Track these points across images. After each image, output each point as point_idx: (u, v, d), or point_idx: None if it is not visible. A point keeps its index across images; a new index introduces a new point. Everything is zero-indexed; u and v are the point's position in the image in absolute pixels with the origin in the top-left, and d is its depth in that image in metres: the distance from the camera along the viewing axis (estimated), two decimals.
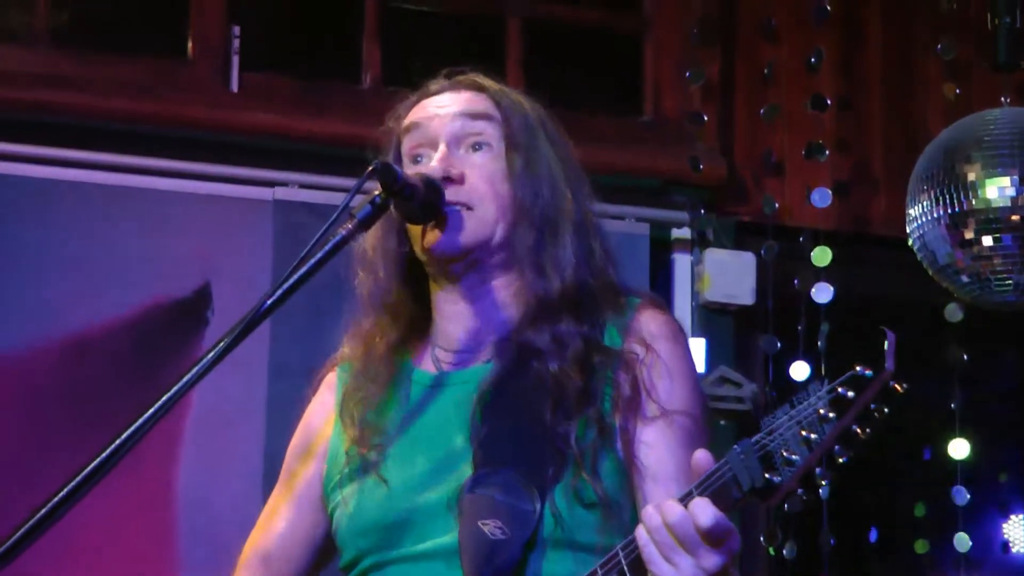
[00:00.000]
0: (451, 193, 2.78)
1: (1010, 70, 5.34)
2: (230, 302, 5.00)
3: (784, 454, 2.24)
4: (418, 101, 2.92)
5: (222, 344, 2.52)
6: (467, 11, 5.75)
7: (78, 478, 2.36)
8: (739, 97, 5.71)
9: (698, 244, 5.53)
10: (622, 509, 2.67)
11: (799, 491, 2.27)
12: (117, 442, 2.39)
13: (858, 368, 2.24)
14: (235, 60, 5.31)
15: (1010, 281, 4.97)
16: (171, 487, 4.88)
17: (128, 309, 5.01)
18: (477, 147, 2.84)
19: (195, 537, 4.90)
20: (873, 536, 5.90)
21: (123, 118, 5.14)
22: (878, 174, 5.74)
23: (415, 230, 2.81)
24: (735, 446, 2.31)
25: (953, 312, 5.43)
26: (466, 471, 2.68)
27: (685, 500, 2.31)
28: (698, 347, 5.39)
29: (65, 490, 2.35)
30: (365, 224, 2.64)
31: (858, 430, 2.24)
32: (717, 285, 5.47)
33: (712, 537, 2.28)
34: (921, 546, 5.65)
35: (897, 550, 5.85)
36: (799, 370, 5.40)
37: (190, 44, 5.33)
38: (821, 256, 5.38)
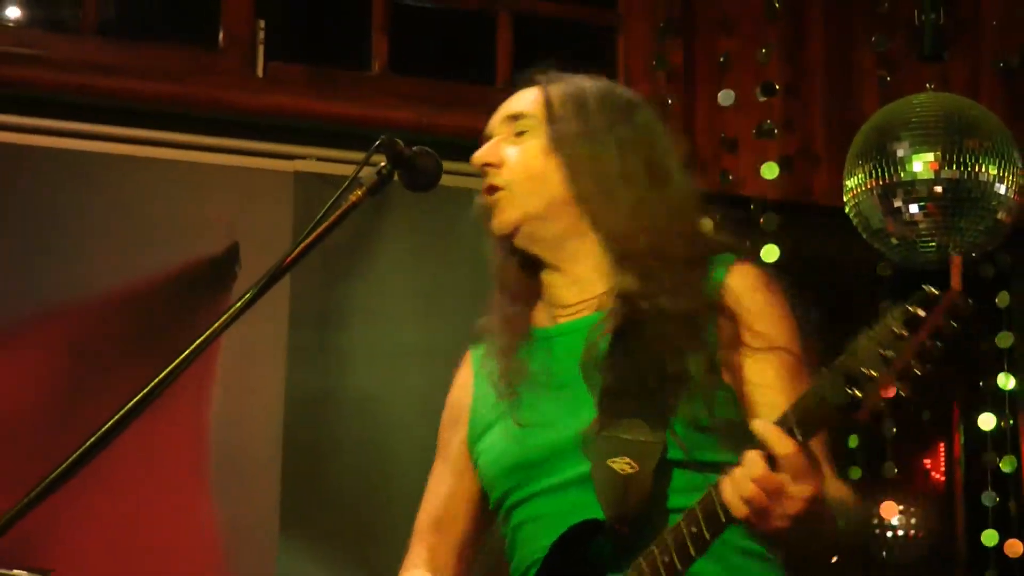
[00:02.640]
0: (490, 178, 2.80)
1: (934, 61, 5.34)
2: (255, 260, 4.99)
3: (864, 372, 2.17)
4: None
5: (248, 296, 2.50)
6: (463, 6, 5.72)
7: (120, 414, 2.34)
8: (699, 84, 5.69)
9: None
10: (736, 430, 2.58)
11: (886, 401, 2.21)
12: (154, 382, 2.38)
13: (927, 288, 2.18)
14: (260, 50, 5.30)
15: (933, 244, 4.98)
16: (203, 422, 4.87)
17: (167, 266, 5.01)
18: (520, 133, 2.83)
19: (224, 467, 4.90)
20: None
21: (162, 100, 5.13)
22: (819, 151, 5.72)
23: None
24: (823, 368, 2.25)
25: (883, 270, 5.42)
26: (590, 411, 2.64)
27: (781, 421, 2.26)
28: None
29: (108, 424, 2.33)
30: (373, 191, 2.64)
31: (931, 344, 2.18)
32: None
33: (791, 464, 2.24)
34: (855, 472, 5.63)
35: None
36: None
37: (221, 36, 5.30)
38: (769, 222, 5.36)
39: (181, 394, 4.73)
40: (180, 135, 5.09)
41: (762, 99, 5.53)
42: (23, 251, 4.91)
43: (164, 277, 4.99)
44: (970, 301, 2.17)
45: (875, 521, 5.84)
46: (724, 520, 2.32)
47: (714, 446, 2.60)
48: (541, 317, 2.86)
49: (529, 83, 2.93)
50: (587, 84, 2.90)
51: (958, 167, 4.92)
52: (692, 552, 2.38)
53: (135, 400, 2.35)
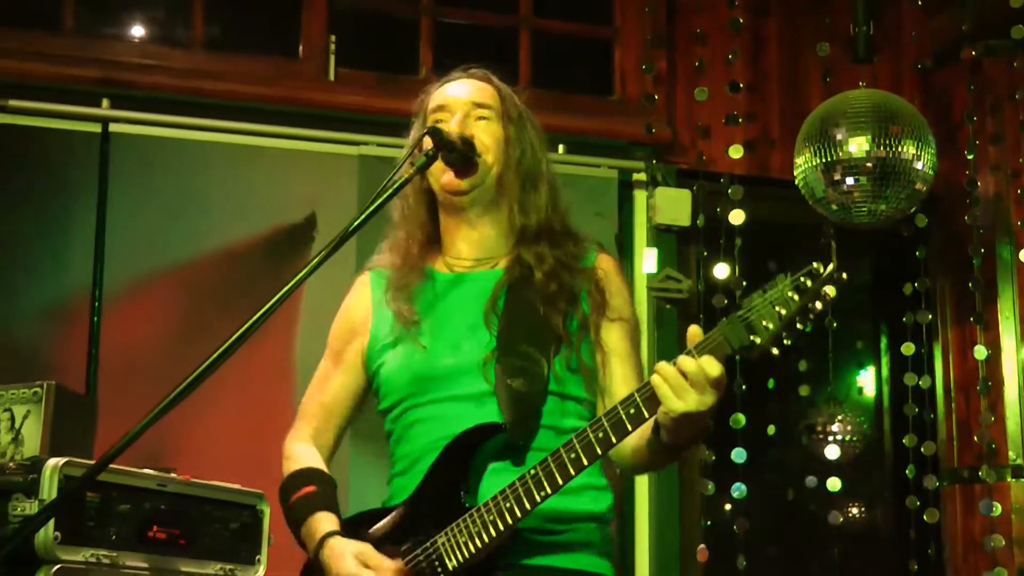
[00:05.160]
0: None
1: (865, 63, 5.31)
2: (329, 225, 4.98)
3: (762, 323, 2.28)
4: (443, 86, 2.96)
5: (323, 253, 2.51)
6: (492, 23, 5.71)
7: (224, 346, 2.34)
8: (679, 84, 5.66)
9: (651, 184, 5.49)
10: (593, 374, 2.76)
11: (773, 350, 2.31)
12: (251, 321, 2.38)
13: (813, 264, 2.27)
14: (332, 59, 5.28)
15: (865, 208, 4.98)
16: (289, 353, 4.87)
17: (259, 231, 5.00)
18: (481, 118, 2.86)
19: (306, 389, 4.88)
20: (771, 383, 5.90)
21: (255, 99, 5.12)
22: (775, 136, 5.70)
23: (436, 173, 2.82)
24: (724, 318, 2.35)
25: (826, 229, 5.40)
26: (489, 343, 2.71)
27: (688, 355, 2.36)
28: (651, 255, 5.37)
29: (215, 354, 2.33)
30: (421, 170, 2.67)
31: (813, 306, 2.28)
32: (664, 212, 5.43)
33: (716, 382, 2.35)
34: (804, 390, 5.63)
35: (787, 393, 5.84)
36: (721, 270, 5.37)
37: (301, 48, 5.29)
38: (735, 192, 5.35)
39: (272, 331, 4.72)
40: (269, 127, 5.07)
41: (729, 95, 5.50)
42: (150, 221, 4.91)
43: (257, 240, 4.99)
44: (844, 275, 2.28)
45: (819, 429, 5.83)
46: (646, 415, 2.43)
47: (579, 384, 2.75)
48: (437, 262, 2.89)
49: (476, 74, 2.97)
50: (520, 99, 2.99)
51: (884, 148, 4.92)
52: (598, 450, 2.47)
53: (236, 336, 2.36)
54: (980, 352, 5.37)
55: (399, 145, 4.95)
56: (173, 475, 3.55)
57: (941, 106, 5.75)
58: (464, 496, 2.59)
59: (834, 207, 5.02)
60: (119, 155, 4.90)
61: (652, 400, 2.40)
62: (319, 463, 2.87)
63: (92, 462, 3.24)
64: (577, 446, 2.47)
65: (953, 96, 5.73)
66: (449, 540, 2.56)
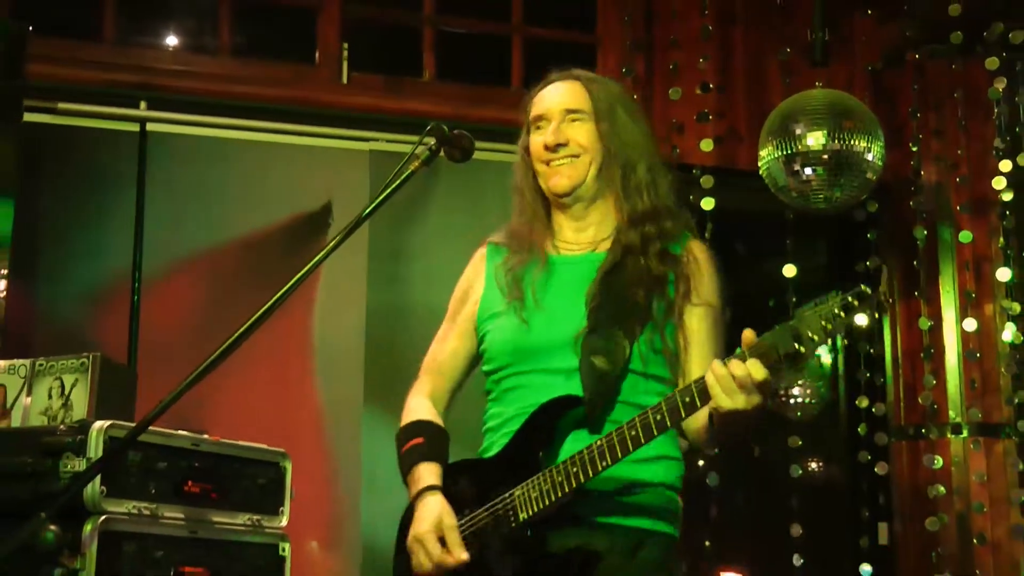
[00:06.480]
0: (562, 150, 2.82)
1: (821, 66, 5.32)
2: (343, 213, 4.98)
3: (808, 335, 2.26)
4: (540, 93, 2.92)
5: (338, 238, 2.50)
6: (487, 30, 5.69)
7: (250, 322, 2.34)
8: (656, 85, 5.65)
9: None
10: (677, 356, 2.73)
11: (819, 355, 2.32)
12: (274, 299, 2.37)
13: (862, 286, 2.29)
14: (345, 64, 5.27)
15: (821, 195, 4.98)
16: (309, 327, 4.87)
17: (280, 219, 5.00)
18: (575, 121, 2.84)
19: (324, 359, 4.92)
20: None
21: (276, 101, 5.12)
22: (741, 131, 5.69)
23: (542, 176, 2.85)
24: (776, 326, 2.33)
25: (787, 215, 5.40)
26: (582, 322, 2.71)
27: (740, 357, 2.35)
28: None
29: (242, 329, 2.33)
30: (425, 163, 2.64)
31: (856, 324, 2.30)
32: None
33: (761, 385, 2.34)
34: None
35: None
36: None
37: (317, 54, 5.29)
38: (706, 182, 5.34)
39: (293, 308, 4.74)
40: (288, 126, 5.07)
41: (701, 95, 5.50)
42: (183, 211, 4.91)
43: (278, 227, 4.99)
44: (890, 300, 2.28)
45: (782, 393, 5.83)
46: (699, 405, 2.42)
47: (661, 364, 2.72)
48: (548, 245, 2.88)
49: (568, 76, 2.92)
50: (613, 88, 2.92)
51: (839, 141, 4.92)
52: (655, 431, 2.47)
53: (260, 312, 2.35)
54: (924, 323, 5.38)
55: (406, 141, 5.03)
56: (205, 436, 3.56)
57: (889, 104, 5.75)
58: (543, 458, 2.62)
59: (794, 195, 5.02)
60: (155, 152, 4.90)
61: (705, 393, 2.40)
62: (432, 415, 2.88)
63: (133, 425, 3.25)
64: (638, 425, 2.48)
65: (900, 95, 5.74)
66: (524, 494, 2.59)
